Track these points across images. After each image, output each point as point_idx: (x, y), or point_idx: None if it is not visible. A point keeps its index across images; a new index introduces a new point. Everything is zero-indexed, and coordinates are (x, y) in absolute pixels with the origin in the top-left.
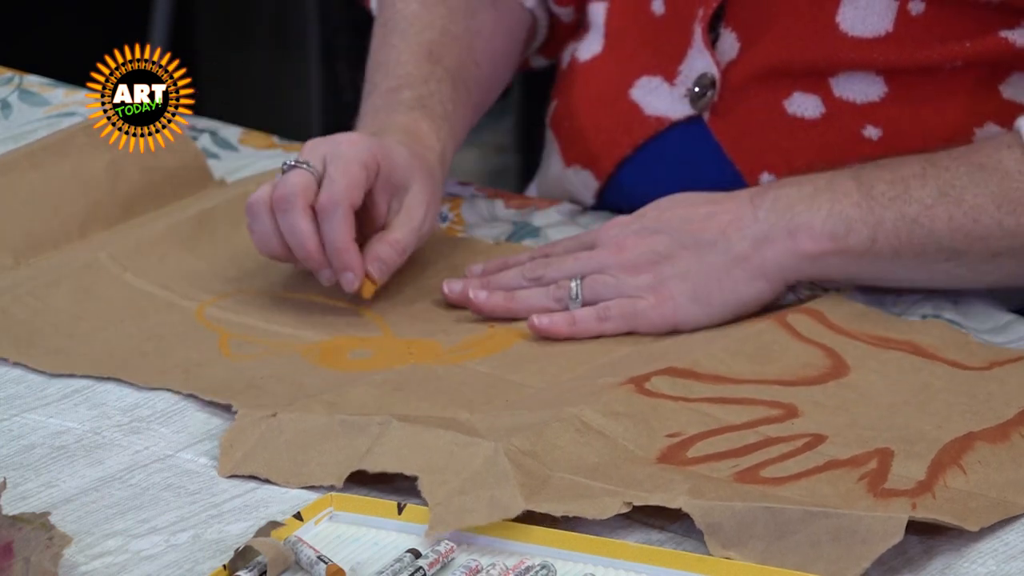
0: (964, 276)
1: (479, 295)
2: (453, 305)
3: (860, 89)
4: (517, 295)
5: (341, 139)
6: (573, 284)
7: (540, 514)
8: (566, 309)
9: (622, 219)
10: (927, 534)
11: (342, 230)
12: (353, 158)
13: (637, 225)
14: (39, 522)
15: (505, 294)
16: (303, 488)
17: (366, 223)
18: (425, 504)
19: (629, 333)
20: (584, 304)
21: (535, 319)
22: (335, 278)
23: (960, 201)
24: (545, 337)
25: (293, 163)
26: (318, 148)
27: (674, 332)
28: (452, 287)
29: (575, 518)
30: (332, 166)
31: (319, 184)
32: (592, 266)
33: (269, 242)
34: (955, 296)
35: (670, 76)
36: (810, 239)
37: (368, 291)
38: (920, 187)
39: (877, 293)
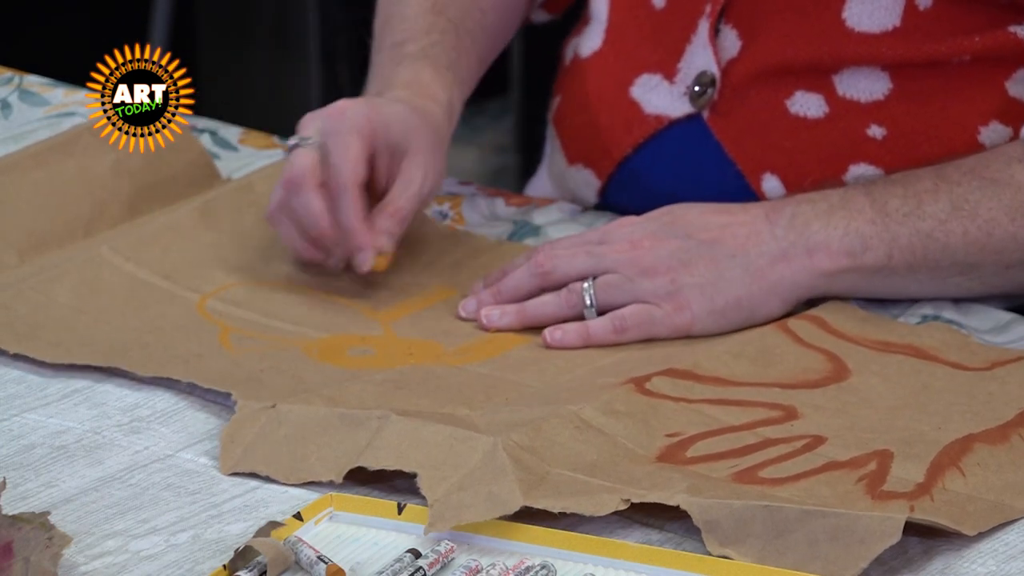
0: (975, 288)
1: (491, 316)
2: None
3: (865, 87)
4: (528, 308)
5: (334, 109)
6: (586, 285)
7: (540, 514)
8: (580, 315)
9: (633, 218)
10: (927, 534)
11: (352, 211)
12: (350, 129)
13: (652, 227)
14: (39, 522)
15: (517, 309)
16: (303, 485)
17: (369, 189)
18: (425, 504)
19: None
20: (598, 308)
21: (548, 335)
22: (342, 264)
23: (974, 215)
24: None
25: (295, 142)
26: (314, 121)
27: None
28: (467, 307)
29: (575, 517)
30: (331, 141)
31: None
32: (605, 264)
33: (294, 239)
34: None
35: (669, 74)
36: (827, 257)
37: (381, 265)
38: (933, 202)
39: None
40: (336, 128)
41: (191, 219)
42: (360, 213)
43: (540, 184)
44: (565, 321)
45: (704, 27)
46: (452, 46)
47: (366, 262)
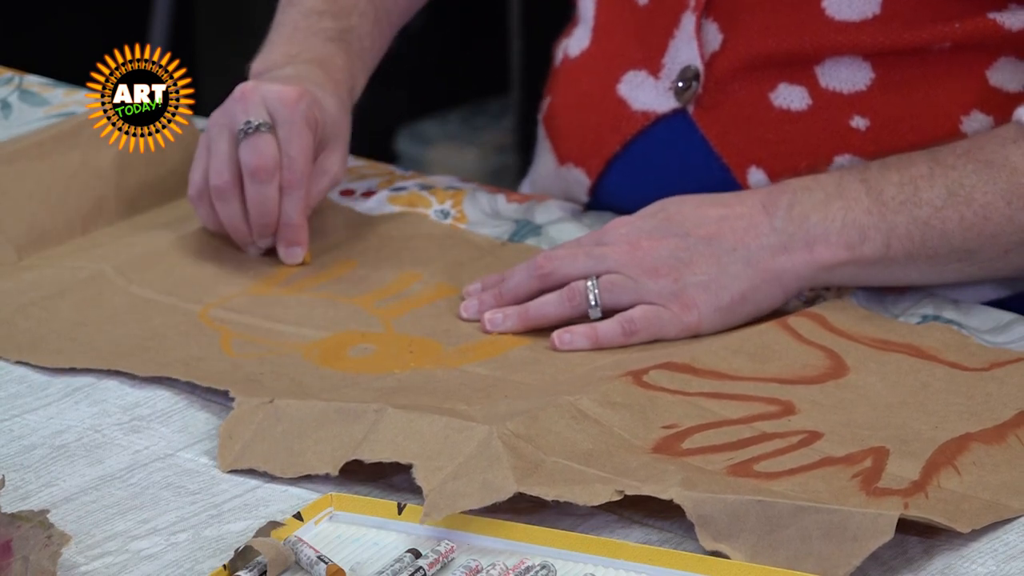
0: (974, 274)
1: (495, 319)
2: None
3: (847, 77)
4: (530, 309)
5: (284, 97)
6: (589, 284)
7: (540, 513)
8: (584, 314)
9: (627, 218)
10: (927, 534)
11: (300, 208)
12: (300, 121)
13: (648, 225)
14: (38, 520)
15: (519, 312)
16: (303, 485)
17: None
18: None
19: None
20: (602, 307)
21: (556, 338)
22: (261, 251)
23: (970, 200)
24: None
25: (251, 125)
26: (257, 100)
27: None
28: (469, 309)
29: (575, 517)
30: (285, 131)
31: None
32: (606, 264)
33: (236, 218)
34: (956, 295)
35: (654, 69)
36: (827, 250)
37: (308, 257)
38: (929, 188)
39: (878, 292)
40: (289, 118)
41: (196, 241)
42: (306, 210)
43: (531, 186)
44: (568, 320)
45: (688, 21)
46: (367, 32)
47: (299, 256)
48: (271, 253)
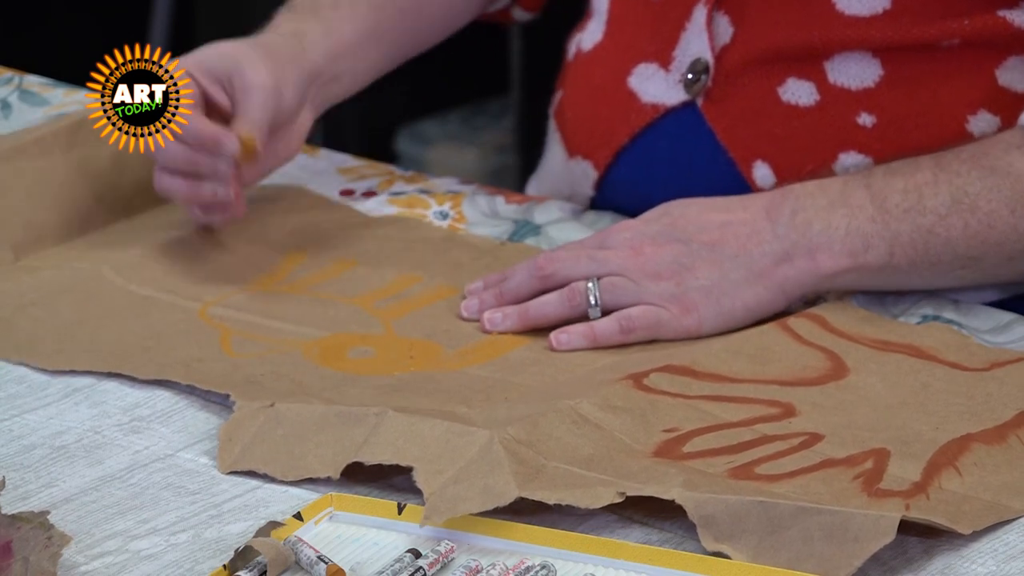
0: (978, 280)
1: (494, 319)
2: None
3: (855, 73)
4: (530, 308)
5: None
6: (590, 285)
7: (541, 513)
8: (584, 315)
9: (630, 222)
10: (927, 534)
11: (197, 120)
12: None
13: (651, 230)
14: (38, 521)
15: (519, 311)
16: (303, 485)
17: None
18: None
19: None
20: (602, 308)
21: (553, 339)
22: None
23: (975, 208)
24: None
25: None
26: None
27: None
28: (469, 308)
29: (575, 517)
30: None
31: None
32: (609, 267)
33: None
34: (956, 295)
35: (665, 62)
36: (830, 259)
37: (250, 144)
38: (933, 195)
39: (878, 293)
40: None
41: (194, 238)
42: (203, 119)
43: (539, 182)
44: (567, 321)
45: (699, 14)
46: (330, 4)
47: (234, 145)
48: (273, 251)
